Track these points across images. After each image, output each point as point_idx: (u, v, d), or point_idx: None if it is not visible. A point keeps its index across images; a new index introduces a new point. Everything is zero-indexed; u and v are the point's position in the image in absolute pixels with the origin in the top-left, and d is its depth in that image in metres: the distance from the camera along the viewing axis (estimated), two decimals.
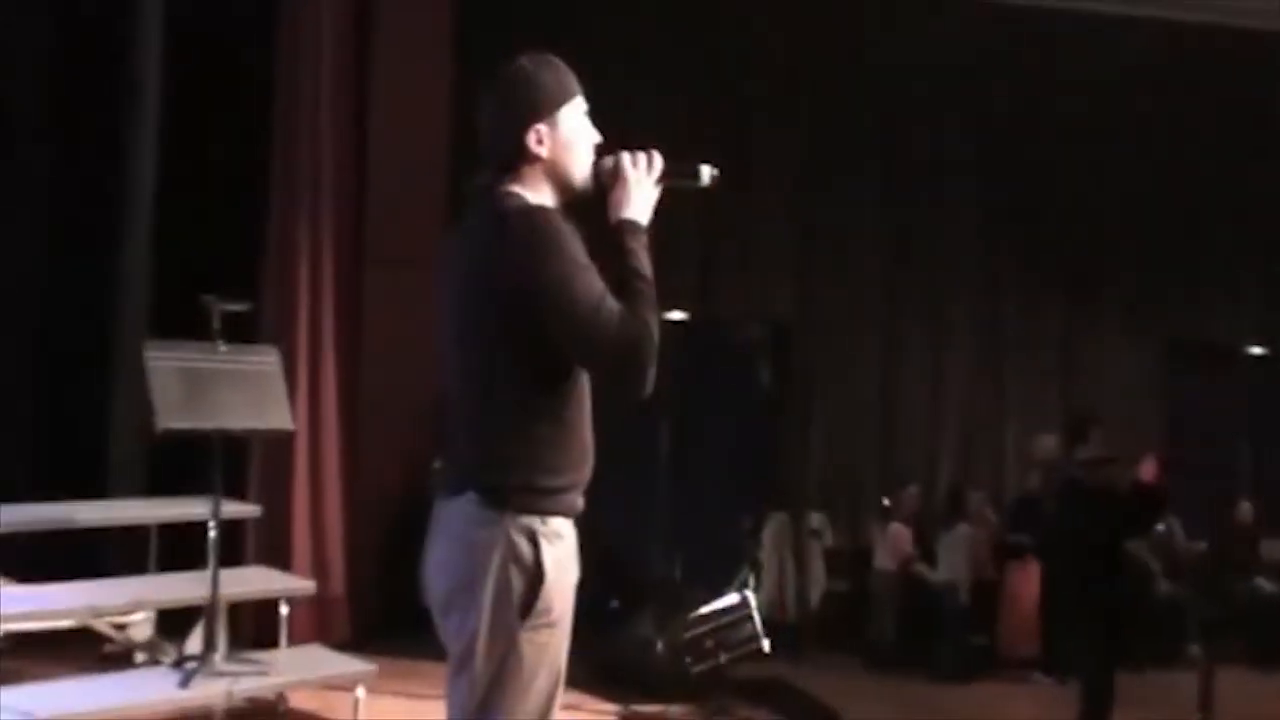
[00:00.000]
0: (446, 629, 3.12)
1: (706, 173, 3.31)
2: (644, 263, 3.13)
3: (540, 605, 3.05)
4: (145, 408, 5.82)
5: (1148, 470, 7.63)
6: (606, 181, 3.22)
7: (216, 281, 6.25)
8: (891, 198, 11.44)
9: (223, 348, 5.96)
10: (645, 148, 3.28)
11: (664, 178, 3.26)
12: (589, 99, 3.28)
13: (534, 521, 3.06)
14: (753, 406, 11.38)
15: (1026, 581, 9.73)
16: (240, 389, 5.97)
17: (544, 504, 3.08)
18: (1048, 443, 10.12)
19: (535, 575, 3.04)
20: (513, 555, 3.03)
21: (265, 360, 6.27)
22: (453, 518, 3.11)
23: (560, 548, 3.11)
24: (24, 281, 7.85)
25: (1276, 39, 11.38)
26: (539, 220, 3.04)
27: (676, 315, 10.90)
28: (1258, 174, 11.79)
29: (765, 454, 11.31)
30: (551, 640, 3.10)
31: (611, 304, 3.01)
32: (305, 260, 7.97)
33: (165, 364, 5.80)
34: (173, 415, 5.70)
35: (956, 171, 11.51)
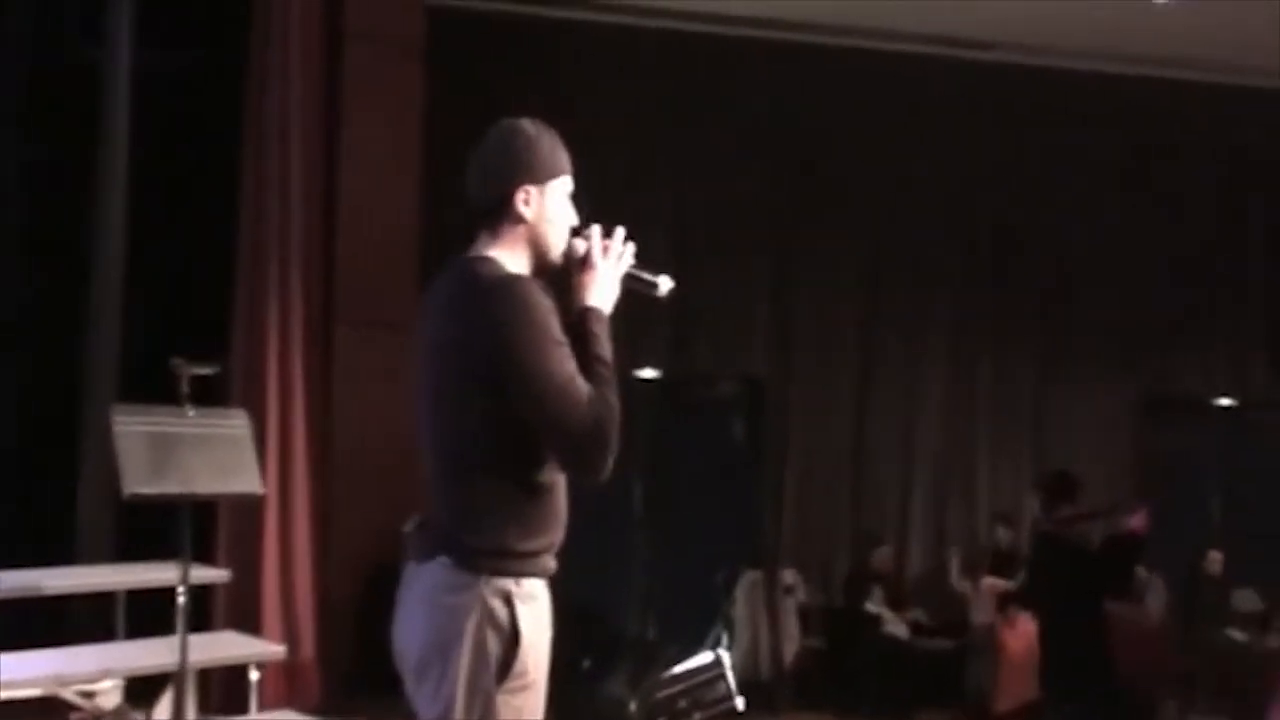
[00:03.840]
0: (421, 694, 3.11)
1: (665, 284, 3.39)
2: (607, 349, 3.16)
3: (517, 667, 3.05)
4: (113, 472, 5.77)
5: (1138, 520, 7.63)
6: (575, 264, 3.27)
7: (185, 345, 6.23)
8: (864, 253, 11.49)
9: (191, 412, 5.92)
10: (615, 231, 3.33)
11: (625, 279, 3.33)
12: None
13: (508, 583, 3.06)
14: (726, 463, 11.37)
15: (1016, 637, 9.77)
16: (209, 453, 5.93)
17: (518, 566, 3.09)
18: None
19: (511, 637, 3.04)
20: (488, 618, 3.02)
21: (234, 424, 6.23)
22: (425, 582, 3.10)
23: (535, 608, 3.12)
24: None
25: (1246, 95, 11.51)
26: (516, 290, 3.06)
27: (649, 373, 10.91)
28: (1226, 227, 11.93)
29: (738, 511, 11.29)
30: (528, 702, 3.10)
31: (581, 384, 3.03)
32: (274, 322, 7.94)
33: (132, 429, 5.76)
34: (140, 480, 5.66)
35: (928, 227, 11.56)
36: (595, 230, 3.30)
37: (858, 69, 11.15)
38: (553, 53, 10.43)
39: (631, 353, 10.65)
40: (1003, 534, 10.88)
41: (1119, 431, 11.83)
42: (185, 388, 5.93)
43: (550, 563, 3.19)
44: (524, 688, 3.07)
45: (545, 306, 3.07)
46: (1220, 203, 11.91)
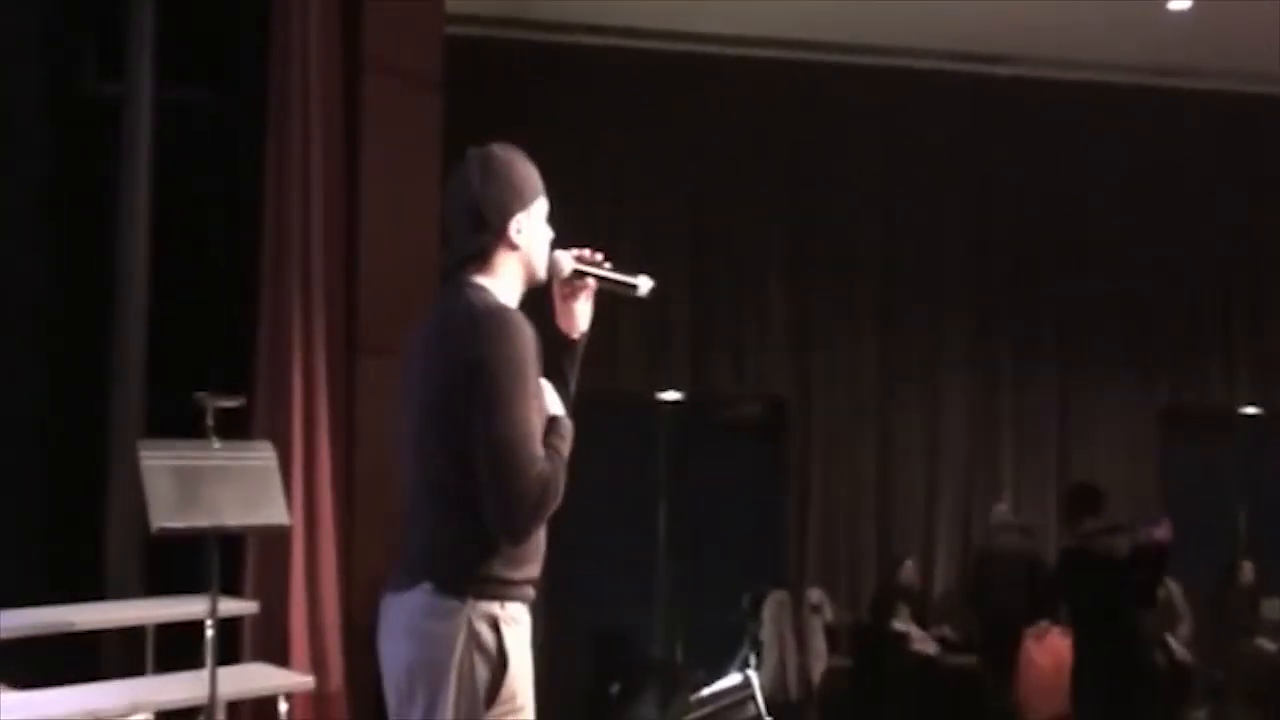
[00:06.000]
0: None
1: (644, 284, 3.40)
2: (569, 429, 3.21)
3: (505, 692, 3.06)
4: (141, 507, 5.81)
5: (1162, 530, 7.61)
6: (557, 280, 3.35)
7: (209, 378, 6.26)
8: (885, 272, 11.51)
9: (217, 445, 5.96)
10: (591, 247, 3.41)
11: (604, 283, 3.38)
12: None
13: (494, 607, 3.06)
14: (750, 484, 11.38)
15: (1044, 651, 9.74)
16: (235, 486, 5.95)
17: (503, 591, 3.09)
18: (1001, 511, 10.82)
19: (499, 662, 3.04)
20: (476, 643, 3.03)
21: (260, 456, 6.26)
22: (407, 611, 3.10)
23: (520, 632, 3.12)
24: (16, 382, 7.84)
25: (1267, 102, 11.50)
26: (505, 325, 3.07)
27: (672, 395, 10.92)
28: (1246, 235, 11.91)
29: (763, 531, 11.29)
30: None
31: (538, 449, 3.03)
32: (298, 353, 7.96)
33: (159, 463, 5.79)
34: (168, 514, 5.68)
35: (949, 245, 11.58)
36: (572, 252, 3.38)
37: (873, 86, 11.19)
38: (570, 80, 10.48)
39: (653, 375, 10.69)
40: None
41: (1144, 443, 11.82)
42: (210, 421, 5.97)
43: (532, 593, 3.19)
44: (513, 712, 3.09)
45: (530, 346, 3.09)
46: (1240, 211, 11.88)
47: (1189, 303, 11.98)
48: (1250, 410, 12.16)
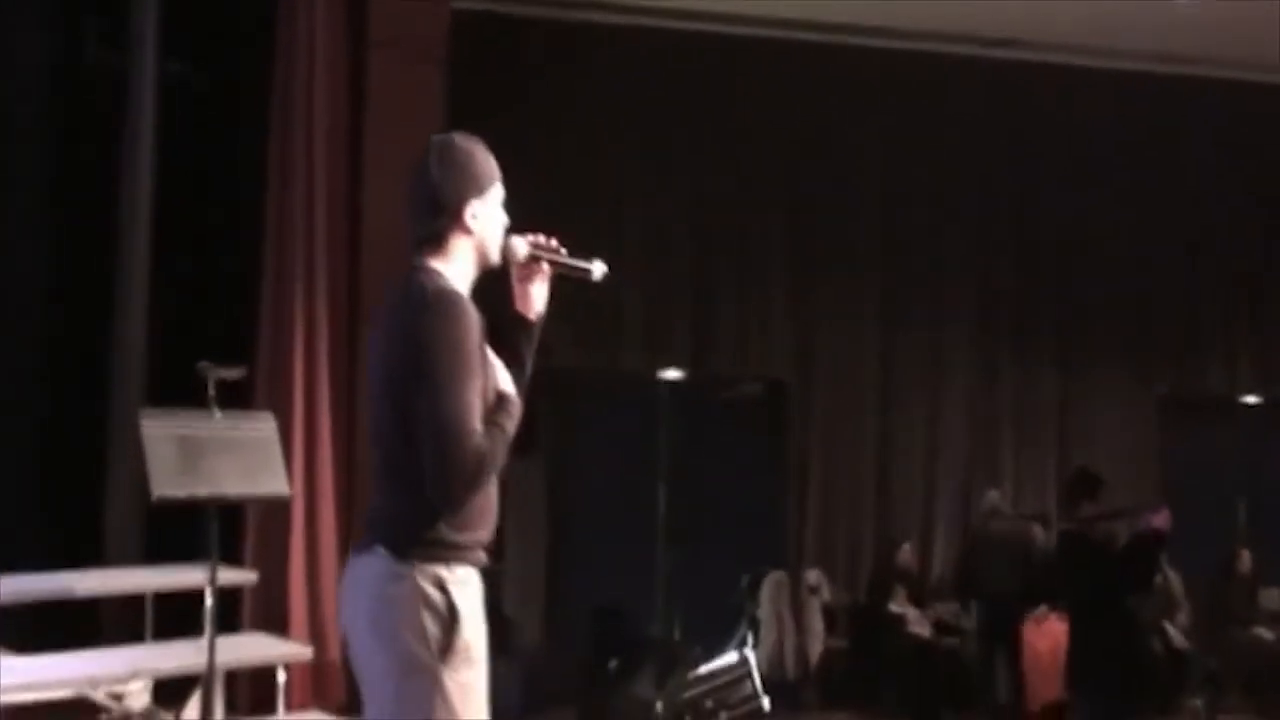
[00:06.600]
0: (368, 681, 3.27)
1: (598, 269, 3.50)
2: (517, 406, 3.32)
3: (458, 644, 3.19)
4: (142, 476, 5.83)
5: (1161, 519, 7.61)
6: (513, 265, 3.45)
7: (211, 348, 6.27)
8: (884, 254, 11.49)
9: (218, 415, 5.98)
10: (546, 232, 3.50)
11: (558, 267, 3.48)
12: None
13: (440, 569, 3.20)
14: (749, 464, 11.39)
15: (1042, 636, 9.76)
16: (236, 456, 5.98)
17: (449, 554, 3.23)
18: (993, 498, 10.68)
19: (449, 618, 3.18)
20: (424, 602, 3.17)
21: (261, 426, 6.29)
22: (365, 572, 3.26)
23: (468, 592, 3.25)
24: (20, 352, 7.86)
25: (1270, 91, 11.47)
26: (451, 308, 3.21)
27: (673, 374, 10.92)
28: (1248, 225, 11.89)
29: (762, 512, 11.30)
30: (473, 680, 3.23)
31: (475, 424, 3.16)
32: (299, 325, 7.98)
33: (161, 432, 5.81)
34: (169, 483, 5.71)
35: (948, 228, 11.56)
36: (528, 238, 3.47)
37: (878, 69, 11.16)
38: (575, 56, 10.44)
39: (654, 358, 10.68)
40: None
41: (1144, 431, 11.81)
42: (212, 391, 5.99)
43: (482, 556, 3.32)
44: (467, 663, 3.20)
45: (473, 328, 3.21)
46: (1242, 200, 11.86)
47: (1189, 292, 11.96)
48: (1250, 399, 12.16)
